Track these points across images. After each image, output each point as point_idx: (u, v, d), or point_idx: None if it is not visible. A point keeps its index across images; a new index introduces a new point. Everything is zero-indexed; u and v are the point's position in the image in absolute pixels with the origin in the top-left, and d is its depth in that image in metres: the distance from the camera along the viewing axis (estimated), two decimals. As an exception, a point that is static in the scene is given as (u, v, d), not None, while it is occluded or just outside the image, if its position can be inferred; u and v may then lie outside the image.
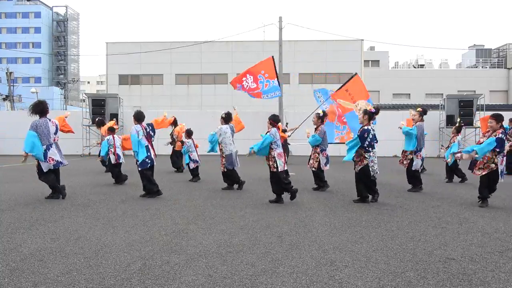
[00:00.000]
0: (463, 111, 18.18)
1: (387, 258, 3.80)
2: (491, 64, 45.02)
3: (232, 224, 5.14)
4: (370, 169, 6.62)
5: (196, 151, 9.73)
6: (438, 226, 5.12)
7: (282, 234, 4.67)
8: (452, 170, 9.70)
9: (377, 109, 6.78)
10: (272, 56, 14.39)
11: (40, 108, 6.73)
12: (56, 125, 6.90)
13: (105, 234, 4.60)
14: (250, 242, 4.32)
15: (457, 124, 10.02)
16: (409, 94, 39.64)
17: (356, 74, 13.47)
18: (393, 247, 4.15)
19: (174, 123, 11.63)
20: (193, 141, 9.81)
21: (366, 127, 6.60)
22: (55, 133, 6.81)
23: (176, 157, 11.77)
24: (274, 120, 6.80)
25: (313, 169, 8.20)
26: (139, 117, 7.19)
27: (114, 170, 9.17)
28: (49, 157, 6.66)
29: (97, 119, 12.04)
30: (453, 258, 3.82)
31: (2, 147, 19.67)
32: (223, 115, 8.35)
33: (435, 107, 24.75)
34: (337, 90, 13.18)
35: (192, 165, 9.59)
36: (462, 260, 3.75)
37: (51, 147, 6.70)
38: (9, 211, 5.95)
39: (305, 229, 4.90)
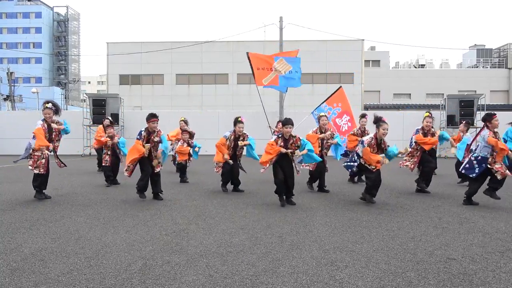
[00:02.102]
0: (463, 111, 18.14)
1: (387, 258, 3.80)
2: (492, 64, 44.98)
3: (232, 224, 5.14)
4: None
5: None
6: (438, 226, 5.11)
7: (282, 234, 4.67)
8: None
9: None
10: None
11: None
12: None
13: (106, 234, 4.61)
14: (251, 242, 4.32)
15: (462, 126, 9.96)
16: (410, 94, 39.61)
17: (340, 87, 13.12)
18: (393, 247, 4.14)
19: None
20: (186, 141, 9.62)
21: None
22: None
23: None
24: (283, 124, 6.54)
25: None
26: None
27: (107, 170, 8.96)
28: None
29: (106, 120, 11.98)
30: (454, 258, 3.81)
31: (3, 147, 19.68)
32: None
33: (435, 107, 24.71)
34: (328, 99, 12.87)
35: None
36: (463, 260, 3.74)
37: None
38: (10, 211, 5.95)
39: (306, 229, 4.90)
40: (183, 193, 7.75)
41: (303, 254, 3.91)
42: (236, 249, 4.04)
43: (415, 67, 47.59)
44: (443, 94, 31.54)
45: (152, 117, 6.75)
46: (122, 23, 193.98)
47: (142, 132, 6.80)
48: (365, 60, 35.46)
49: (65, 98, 53.86)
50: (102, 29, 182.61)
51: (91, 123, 18.92)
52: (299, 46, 33.56)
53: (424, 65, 48.20)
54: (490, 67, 44.03)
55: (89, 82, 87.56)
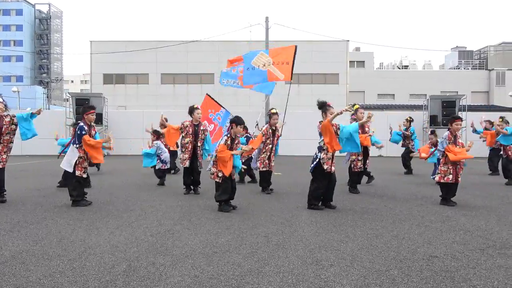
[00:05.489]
0: (446, 111, 18.51)
1: (372, 256, 3.85)
2: (473, 66, 45.95)
3: (218, 225, 5.12)
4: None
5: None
6: (421, 224, 5.20)
7: (268, 234, 4.68)
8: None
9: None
10: None
11: None
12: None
13: (89, 236, 4.54)
14: (237, 242, 4.31)
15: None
16: (394, 94, 40.18)
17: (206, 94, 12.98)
18: (377, 246, 4.19)
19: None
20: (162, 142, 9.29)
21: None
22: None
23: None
24: (237, 123, 6.04)
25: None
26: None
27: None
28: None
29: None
30: (436, 256, 3.88)
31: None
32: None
33: (418, 107, 25.07)
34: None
35: (160, 166, 9.10)
36: (445, 258, 3.81)
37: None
38: (-10, 213, 5.81)
39: (291, 229, 4.92)
40: (168, 194, 7.69)
41: (289, 253, 3.93)
42: (221, 250, 4.03)
43: (399, 68, 48.25)
44: (426, 94, 32.07)
45: (90, 109, 6.59)
46: (106, 21, 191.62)
47: (84, 127, 6.41)
48: (350, 61, 35.79)
49: (48, 97, 52.83)
50: (85, 28, 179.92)
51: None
52: (284, 46, 33.71)
53: (408, 66, 48.91)
54: (471, 68, 44.97)
55: (72, 81, 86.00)
